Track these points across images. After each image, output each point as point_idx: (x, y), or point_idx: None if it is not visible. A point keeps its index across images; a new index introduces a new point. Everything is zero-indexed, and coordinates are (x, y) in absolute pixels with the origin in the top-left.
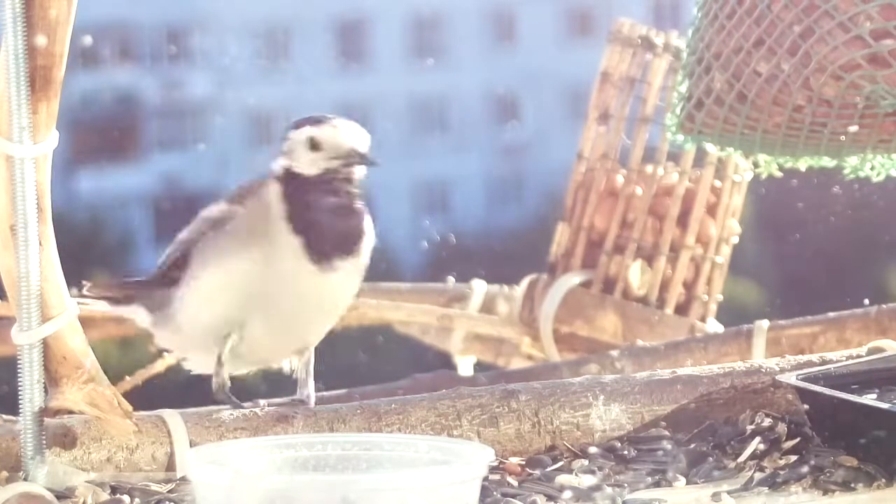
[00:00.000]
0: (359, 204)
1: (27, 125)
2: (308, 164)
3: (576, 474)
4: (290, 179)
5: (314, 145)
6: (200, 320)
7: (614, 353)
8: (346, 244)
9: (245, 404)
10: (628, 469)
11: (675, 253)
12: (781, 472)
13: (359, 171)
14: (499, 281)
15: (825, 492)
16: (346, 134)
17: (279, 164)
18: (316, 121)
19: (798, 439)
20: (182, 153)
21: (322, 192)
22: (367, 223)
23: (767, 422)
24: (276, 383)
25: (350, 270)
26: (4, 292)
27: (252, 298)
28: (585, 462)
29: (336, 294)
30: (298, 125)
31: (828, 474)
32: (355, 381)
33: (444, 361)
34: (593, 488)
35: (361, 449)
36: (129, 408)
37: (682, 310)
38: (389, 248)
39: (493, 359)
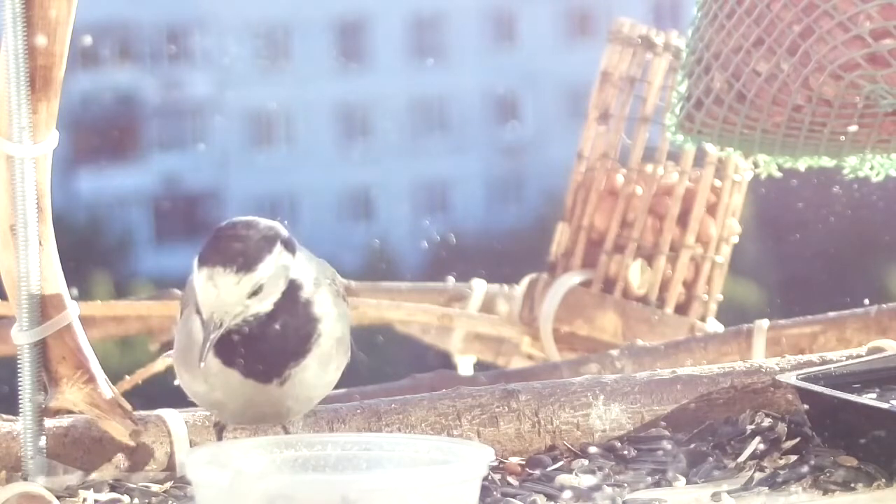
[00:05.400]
0: (285, 318)
1: (27, 125)
2: None
3: (576, 474)
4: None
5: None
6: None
7: (614, 352)
8: (285, 364)
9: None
10: (628, 469)
11: (675, 252)
12: (781, 472)
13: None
14: (499, 280)
15: (825, 492)
16: (211, 295)
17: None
18: (202, 256)
19: (798, 439)
20: (182, 153)
21: (230, 331)
22: (310, 325)
23: (767, 422)
24: None
25: (306, 368)
26: (4, 292)
27: (215, 400)
28: (585, 462)
29: (297, 393)
30: (203, 243)
31: (828, 474)
32: (355, 381)
33: (444, 361)
34: (593, 488)
35: (361, 449)
36: (130, 408)
37: (682, 309)
38: (389, 248)
39: (493, 358)
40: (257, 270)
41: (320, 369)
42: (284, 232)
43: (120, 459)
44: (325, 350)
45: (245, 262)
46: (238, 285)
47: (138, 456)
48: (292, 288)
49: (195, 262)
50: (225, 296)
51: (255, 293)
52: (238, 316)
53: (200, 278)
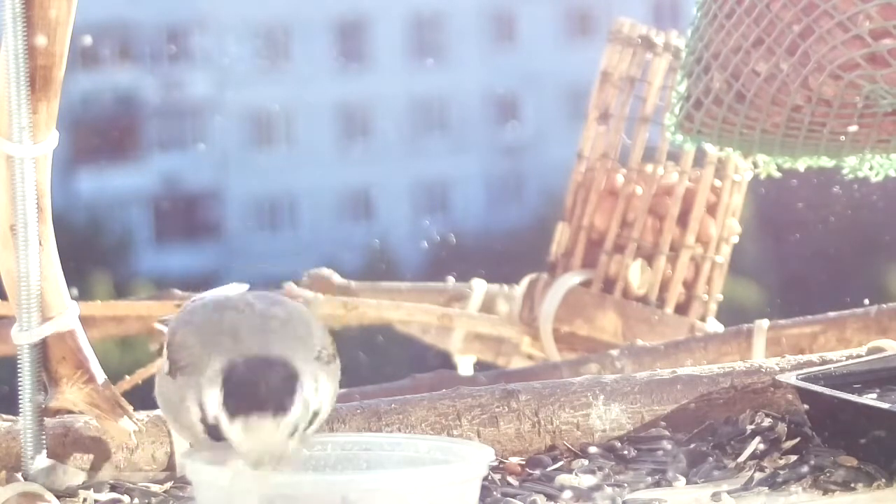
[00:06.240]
0: None
1: (27, 125)
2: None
3: (576, 474)
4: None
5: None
6: None
7: (614, 352)
8: None
9: None
10: (628, 469)
11: (675, 252)
12: (781, 472)
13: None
14: (499, 280)
15: (825, 492)
16: (254, 442)
17: (207, 408)
18: (231, 407)
19: (798, 439)
20: (182, 153)
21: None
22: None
23: (767, 422)
24: None
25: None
26: (4, 292)
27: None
28: (585, 462)
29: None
30: (223, 389)
31: (828, 474)
32: (355, 381)
33: (444, 361)
34: (593, 488)
35: (361, 449)
36: (130, 408)
37: (682, 309)
38: (389, 248)
39: (493, 358)
40: (292, 411)
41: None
42: (303, 356)
43: (120, 459)
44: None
45: (278, 405)
46: (277, 430)
47: (138, 456)
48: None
49: (222, 411)
50: (268, 439)
51: (292, 434)
52: (280, 458)
53: (236, 428)
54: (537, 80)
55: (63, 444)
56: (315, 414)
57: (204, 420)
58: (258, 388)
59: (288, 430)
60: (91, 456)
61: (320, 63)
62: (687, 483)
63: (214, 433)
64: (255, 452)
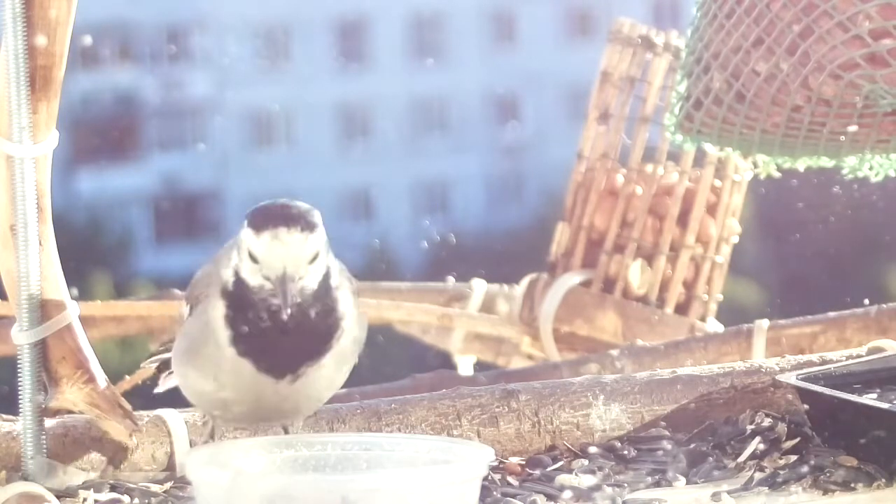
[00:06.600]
0: (317, 308)
1: (27, 125)
2: (250, 273)
3: (576, 474)
4: (237, 287)
5: (252, 258)
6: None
7: (614, 352)
8: (303, 360)
9: None
10: (628, 469)
11: (675, 252)
12: (781, 472)
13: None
14: (499, 280)
15: (825, 492)
16: (281, 252)
17: (231, 265)
18: (259, 224)
19: (798, 439)
20: (182, 153)
21: (264, 310)
22: (334, 321)
23: (767, 422)
24: None
25: (322, 367)
26: (4, 292)
27: (221, 400)
28: (585, 462)
29: (308, 392)
30: (248, 219)
31: (828, 474)
32: (355, 381)
33: (444, 361)
34: (593, 488)
35: (361, 449)
36: (130, 408)
37: (682, 309)
38: (389, 248)
39: (493, 358)
40: (317, 232)
41: (335, 369)
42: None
43: (120, 459)
44: (343, 349)
45: (307, 223)
46: (305, 243)
47: (138, 456)
48: (326, 275)
49: (249, 233)
50: (295, 251)
51: (314, 259)
52: (300, 280)
53: (263, 240)
54: (537, 80)
55: (63, 444)
56: (330, 274)
57: (226, 295)
58: (283, 210)
59: (313, 249)
60: (91, 456)
61: (320, 63)
62: (687, 483)
63: (240, 342)
64: (279, 262)
